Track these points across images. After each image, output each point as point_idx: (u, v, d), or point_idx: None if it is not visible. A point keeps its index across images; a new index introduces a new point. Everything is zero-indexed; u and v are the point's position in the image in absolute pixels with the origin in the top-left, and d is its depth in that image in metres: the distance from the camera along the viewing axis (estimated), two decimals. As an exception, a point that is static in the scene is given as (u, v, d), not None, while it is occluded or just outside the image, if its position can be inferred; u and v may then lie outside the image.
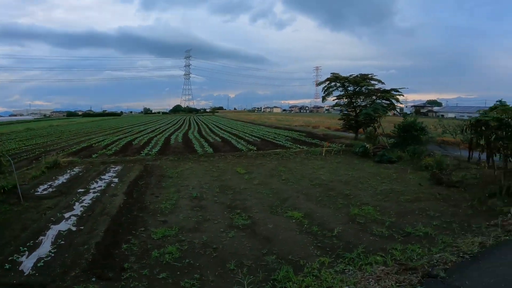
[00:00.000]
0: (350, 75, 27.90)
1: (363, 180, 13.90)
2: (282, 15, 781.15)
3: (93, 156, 20.10)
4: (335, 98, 29.95)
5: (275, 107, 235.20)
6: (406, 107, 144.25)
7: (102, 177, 14.73)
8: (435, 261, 6.10)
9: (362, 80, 27.39)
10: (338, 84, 28.61)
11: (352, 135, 28.78)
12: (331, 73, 29.15)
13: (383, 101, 27.13)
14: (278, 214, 9.66)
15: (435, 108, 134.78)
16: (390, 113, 28.90)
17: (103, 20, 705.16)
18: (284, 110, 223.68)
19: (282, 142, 26.64)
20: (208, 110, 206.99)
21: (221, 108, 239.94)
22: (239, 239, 7.82)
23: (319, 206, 10.42)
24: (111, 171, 16.11)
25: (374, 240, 7.72)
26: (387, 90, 27.20)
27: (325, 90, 29.23)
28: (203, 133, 38.30)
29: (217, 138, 31.32)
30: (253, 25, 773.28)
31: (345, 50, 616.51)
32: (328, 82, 28.96)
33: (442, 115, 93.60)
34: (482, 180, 12.74)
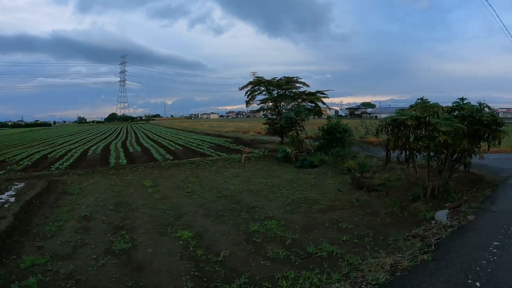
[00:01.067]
0: (273, 78, 26.95)
1: (276, 188, 12.58)
2: (221, 21, 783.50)
3: (0, 172, 17.44)
4: (260, 102, 28.68)
5: (212, 113, 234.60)
6: (341, 109, 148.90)
7: (1, 196, 12.64)
8: (330, 296, 4.71)
9: (286, 83, 26.48)
10: (262, 88, 27.43)
11: (279, 139, 27.53)
12: (255, 77, 27.95)
13: (309, 103, 26.27)
14: (166, 235, 8.18)
15: (369, 110, 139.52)
16: (324, 115, 28.15)
17: (37, 23, 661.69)
18: (221, 116, 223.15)
19: (204, 149, 25.04)
20: (144, 118, 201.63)
21: (158, 115, 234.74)
22: (108, 268, 6.47)
23: (216, 223, 8.97)
24: (13, 189, 13.88)
25: (265, 265, 6.31)
26: (312, 92, 26.50)
27: (249, 95, 27.91)
28: (127, 143, 35.81)
29: (138, 148, 29.17)
30: (191, 30, 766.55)
31: (282, 56, 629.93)
32: (252, 86, 27.67)
33: (376, 116, 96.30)
34: (406, 181, 11.80)
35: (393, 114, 9.95)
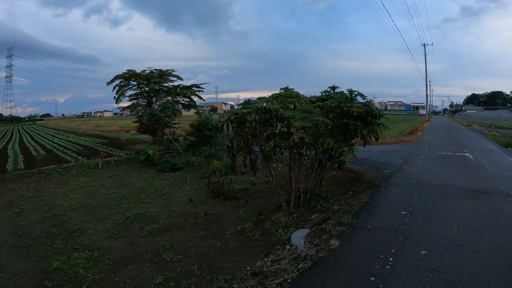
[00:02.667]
0: (143, 71, 24.10)
1: (118, 201, 10.34)
2: (118, 12, 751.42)
3: None
4: (129, 98, 25.74)
5: (106, 110, 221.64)
6: (237, 104, 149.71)
7: None
8: None
9: (160, 77, 23.98)
10: (134, 83, 24.48)
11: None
12: (126, 70, 24.86)
13: (184, 99, 24.17)
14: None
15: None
16: (219, 111, 26.29)
17: None
18: (115, 113, 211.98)
19: (67, 154, 21.65)
20: (31, 118, 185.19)
21: (48, 115, 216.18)
22: None
23: (19, 258, 6.64)
24: None
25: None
26: (187, 86, 24.49)
27: (117, 90, 24.63)
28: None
29: (-4, 156, 24.86)
30: (86, 21, 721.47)
31: (180, 51, 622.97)
32: (120, 80, 24.46)
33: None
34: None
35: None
